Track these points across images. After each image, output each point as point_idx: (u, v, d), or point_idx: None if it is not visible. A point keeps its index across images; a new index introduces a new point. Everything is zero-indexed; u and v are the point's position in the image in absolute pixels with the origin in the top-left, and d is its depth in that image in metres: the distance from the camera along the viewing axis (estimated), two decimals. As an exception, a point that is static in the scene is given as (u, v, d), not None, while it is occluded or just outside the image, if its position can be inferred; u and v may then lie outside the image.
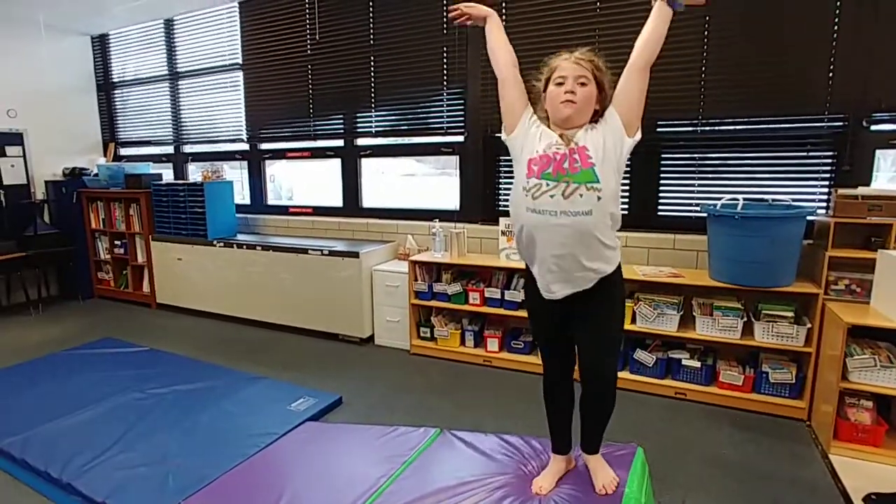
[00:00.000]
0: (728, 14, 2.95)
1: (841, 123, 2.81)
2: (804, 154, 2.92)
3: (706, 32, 3.01)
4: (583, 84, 1.58)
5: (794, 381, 2.69)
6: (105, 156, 5.75)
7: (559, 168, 1.57)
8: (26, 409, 2.80)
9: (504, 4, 3.50)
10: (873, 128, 2.75)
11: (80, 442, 2.43)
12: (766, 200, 2.92)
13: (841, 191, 2.58)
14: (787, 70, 2.87)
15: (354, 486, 2.01)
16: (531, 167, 1.62)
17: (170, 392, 2.98)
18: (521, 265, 1.79)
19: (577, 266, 1.59)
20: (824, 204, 2.88)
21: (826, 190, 2.89)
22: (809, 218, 2.72)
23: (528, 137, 1.67)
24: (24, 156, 5.10)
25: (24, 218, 4.97)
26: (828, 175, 2.88)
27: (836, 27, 2.75)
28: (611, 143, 1.59)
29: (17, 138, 5.04)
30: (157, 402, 2.86)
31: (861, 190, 2.59)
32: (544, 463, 1.96)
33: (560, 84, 1.59)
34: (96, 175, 5.29)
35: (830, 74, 2.79)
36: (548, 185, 1.57)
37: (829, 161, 2.87)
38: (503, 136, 1.78)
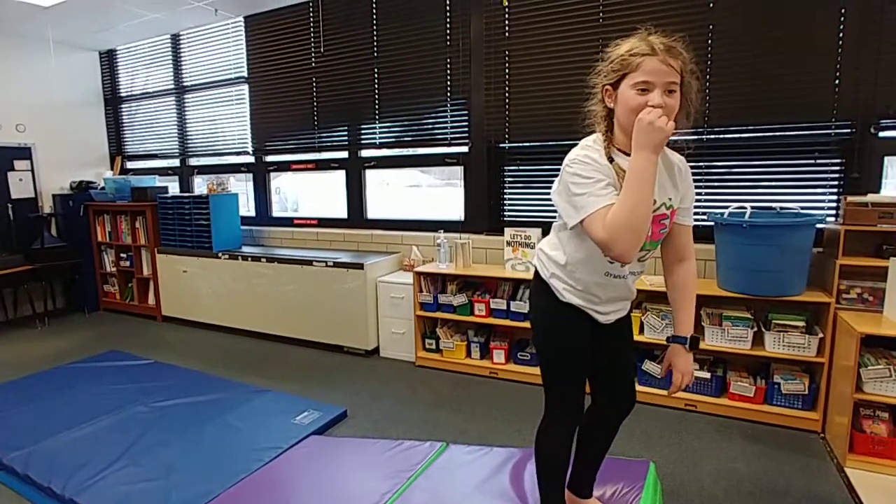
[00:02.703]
0: (732, 21, 2.94)
1: (848, 130, 2.78)
2: (812, 161, 2.90)
3: (710, 40, 3.00)
4: (671, 92, 1.23)
5: (806, 393, 2.65)
6: (112, 169, 5.80)
7: (648, 238, 1.33)
8: (30, 422, 2.80)
9: (507, 7, 3.52)
10: (881, 134, 2.72)
11: (83, 456, 2.42)
12: (774, 208, 2.89)
13: (850, 198, 2.55)
14: (792, 77, 2.85)
15: (359, 501, 1.99)
16: None
17: (174, 405, 2.96)
18: (527, 275, 1.74)
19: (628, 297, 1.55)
20: (833, 212, 2.85)
21: (835, 197, 2.85)
22: (819, 226, 2.69)
23: None
24: (32, 170, 5.15)
25: (31, 231, 5.00)
26: (836, 182, 2.85)
27: (841, 33, 2.73)
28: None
29: (25, 152, 5.09)
30: (162, 415, 2.85)
31: (871, 197, 2.55)
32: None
33: (644, 91, 1.22)
34: (103, 188, 5.32)
35: (837, 81, 2.77)
36: (639, 253, 1.33)
37: (838, 168, 2.84)
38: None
